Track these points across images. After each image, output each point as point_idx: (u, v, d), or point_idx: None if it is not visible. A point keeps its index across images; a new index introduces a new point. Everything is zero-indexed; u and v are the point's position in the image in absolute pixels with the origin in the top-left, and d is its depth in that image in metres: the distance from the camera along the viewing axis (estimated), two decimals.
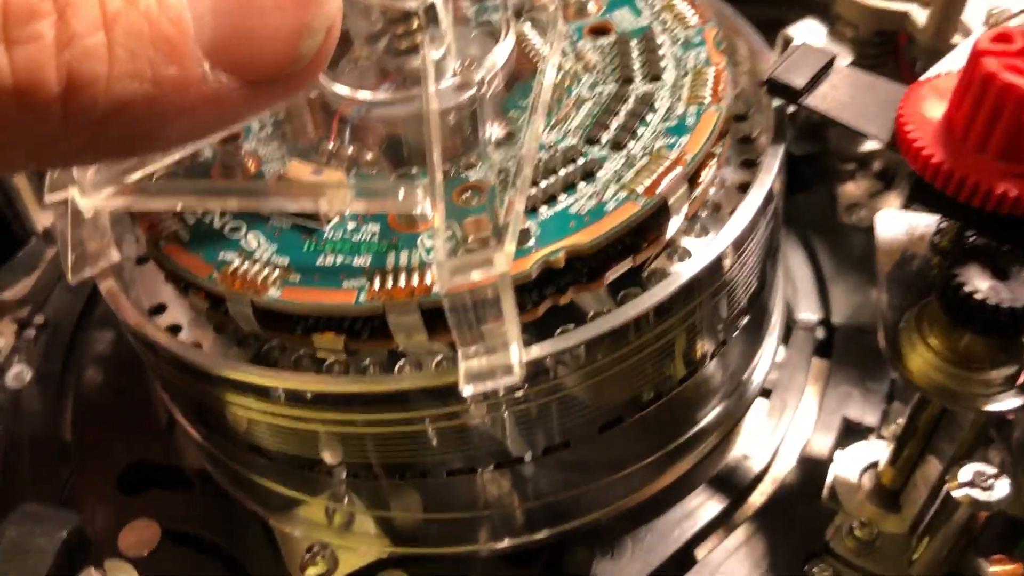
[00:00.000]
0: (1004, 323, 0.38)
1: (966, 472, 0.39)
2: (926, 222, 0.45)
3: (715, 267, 0.41)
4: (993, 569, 0.38)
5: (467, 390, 0.36)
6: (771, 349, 0.51)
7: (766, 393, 0.52)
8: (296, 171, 0.43)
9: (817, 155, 0.62)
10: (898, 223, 0.45)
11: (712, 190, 0.47)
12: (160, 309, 0.48)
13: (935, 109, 0.40)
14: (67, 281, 0.44)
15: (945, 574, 0.42)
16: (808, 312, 0.56)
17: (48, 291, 0.59)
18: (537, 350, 0.38)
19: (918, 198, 0.41)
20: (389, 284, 0.39)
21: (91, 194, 0.42)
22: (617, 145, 0.42)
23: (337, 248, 0.41)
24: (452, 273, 0.35)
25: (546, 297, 0.40)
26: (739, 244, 0.41)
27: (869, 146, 0.62)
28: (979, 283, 0.38)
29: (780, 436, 0.51)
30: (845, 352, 0.54)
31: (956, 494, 0.39)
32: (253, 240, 0.42)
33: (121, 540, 0.48)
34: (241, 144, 0.46)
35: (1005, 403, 0.40)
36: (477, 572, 0.46)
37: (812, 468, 0.50)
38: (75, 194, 0.42)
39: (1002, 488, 0.38)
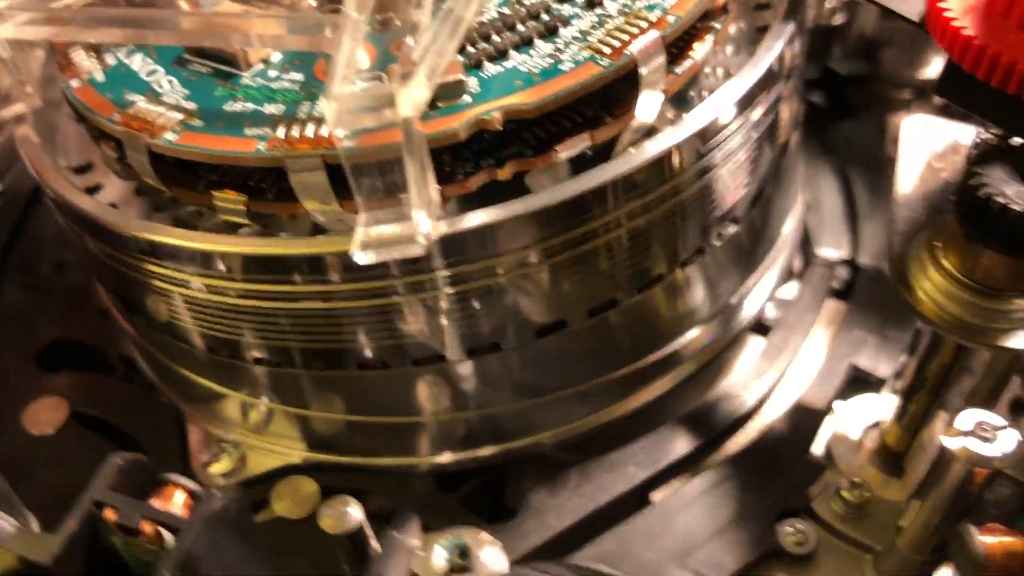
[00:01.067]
0: None
1: (966, 420, 0.32)
2: (965, 132, 0.38)
3: (685, 150, 0.34)
4: (985, 539, 0.31)
5: (359, 257, 0.30)
6: (772, 278, 0.44)
7: (765, 330, 0.45)
8: (227, 9, 0.38)
9: (867, 78, 0.54)
10: (929, 130, 0.38)
11: (711, 78, 0.40)
12: (87, 169, 0.44)
13: None
14: None
15: (936, 546, 0.35)
16: (831, 248, 0.49)
17: (13, 159, 0.55)
18: (454, 224, 0.32)
19: (947, 88, 0.34)
20: (296, 134, 0.33)
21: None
22: (591, 3, 0.36)
23: (251, 95, 0.35)
24: (347, 111, 0.29)
25: (482, 168, 0.34)
26: (718, 129, 0.35)
27: (931, 73, 0.54)
28: (1004, 187, 0.31)
29: (774, 378, 0.44)
30: (866, 295, 0.46)
31: (950, 444, 0.32)
32: (166, 83, 0.37)
33: (27, 414, 0.44)
34: None
35: None
36: (398, 490, 0.41)
37: (807, 418, 0.43)
38: None
39: (1007, 442, 0.31)
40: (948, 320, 0.33)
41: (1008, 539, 0.31)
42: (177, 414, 0.44)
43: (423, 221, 0.30)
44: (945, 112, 0.55)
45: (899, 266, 0.34)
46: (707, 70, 0.40)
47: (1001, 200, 0.30)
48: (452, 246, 0.33)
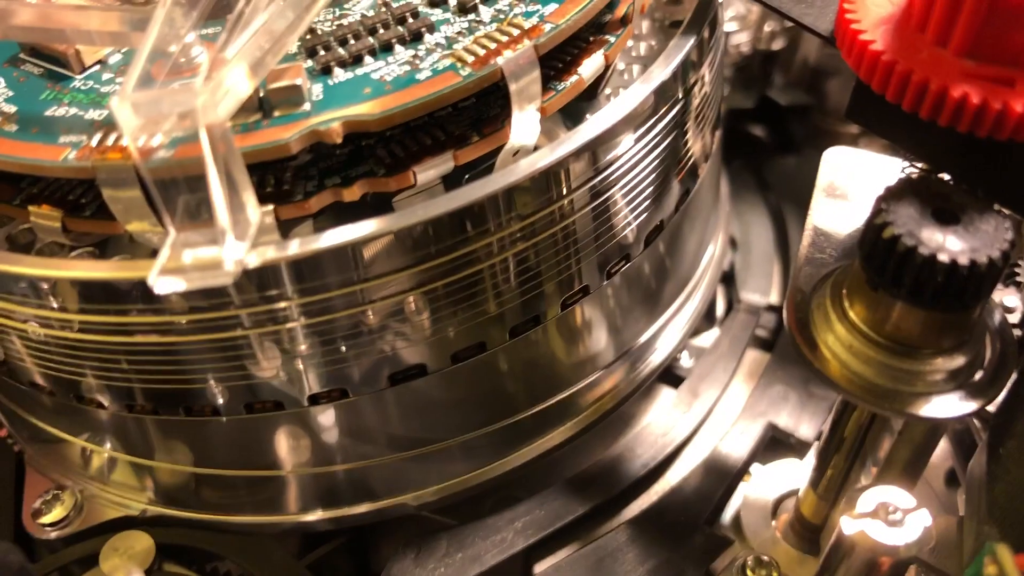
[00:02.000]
0: (944, 287, 0.26)
1: (869, 499, 0.27)
2: (891, 166, 0.33)
3: (559, 173, 0.30)
4: None
5: (159, 285, 0.26)
6: (683, 323, 0.39)
7: (677, 381, 0.41)
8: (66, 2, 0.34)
9: (809, 109, 0.50)
10: (852, 163, 0.34)
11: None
12: None
13: None
14: None
15: None
16: (757, 293, 0.44)
17: None
18: (278, 250, 0.28)
19: (857, 112, 0.30)
20: (110, 142, 0.29)
21: None
22: (464, 8, 0.32)
23: (77, 99, 0.31)
24: (142, 115, 0.25)
25: (326, 187, 0.30)
26: (600, 151, 0.31)
27: None
28: (913, 226, 0.26)
29: (683, 435, 0.39)
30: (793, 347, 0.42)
31: (848, 529, 0.27)
32: None
33: None
34: None
35: (949, 407, 0.28)
36: (245, 552, 0.36)
37: (716, 482, 0.38)
38: None
39: (915, 527, 0.27)
40: (853, 380, 0.29)
41: None
42: (18, 455, 0.39)
43: (233, 246, 0.26)
44: (895, 149, 0.51)
45: (801, 315, 0.30)
46: (608, 91, 0.36)
47: (909, 242, 0.26)
48: (282, 274, 0.28)
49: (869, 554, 0.27)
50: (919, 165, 0.30)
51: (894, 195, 0.27)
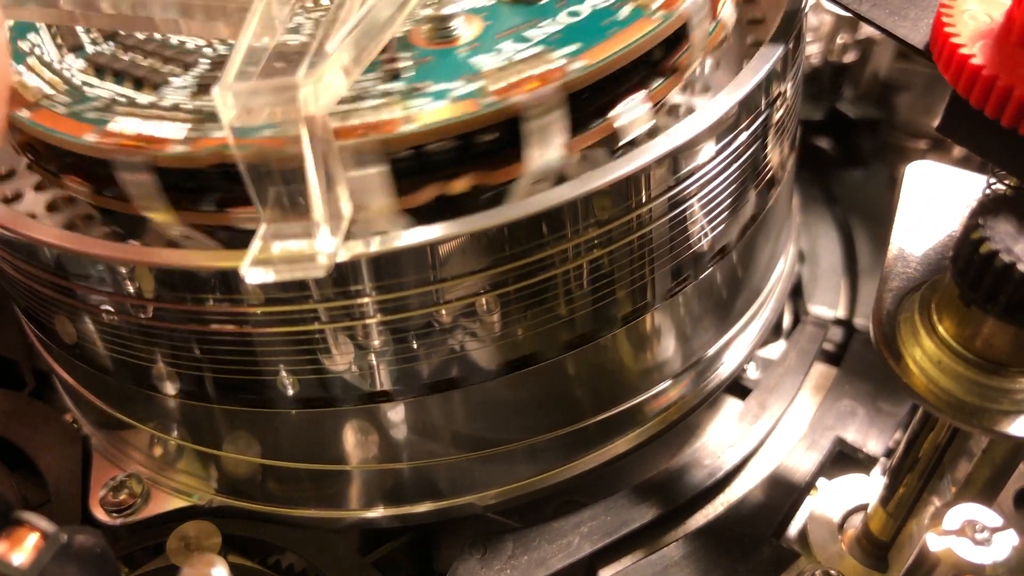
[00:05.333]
0: None
1: (955, 516, 0.27)
2: (977, 183, 0.33)
3: (642, 181, 0.30)
4: None
5: (250, 275, 0.26)
6: (753, 334, 0.39)
7: (744, 392, 0.41)
8: None
9: (878, 123, 0.49)
10: (936, 178, 0.34)
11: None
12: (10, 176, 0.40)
13: (995, 6, 0.28)
14: None
15: None
16: (824, 306, 0.44)
17: None
18: (367, 244, 0.28)
19: (951, 126, 0.29)
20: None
21: None
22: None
23: None
24: (242, 102, 0.25)
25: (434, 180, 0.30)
26: (683, 160, 0.30)
27: None
28: (1011, 242, 0.26)
29: (749, 447, 0.39)
30: (860, 360, 0.42)
31: (934, 545, 0.27)
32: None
33: None
34: None
35: None
36: (310, 547, 0.36)
37: (783, 495, 0.38)
38: None
39: (1003, 547, 0.26)
40: (939, 396, 0.28)
41: None
42: (84, 440, 0.40)
43: (327, 240, 0.26)
44: (965, 164, 0.51)
45: (887, 328, 0.30)
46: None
47: (1006, 258, 0.25)
48: (362, 270, 0.28)
49: (953, 571, 0.27)
50: (1007, 181, 0.30)
51: (990, 211, 0.27)
